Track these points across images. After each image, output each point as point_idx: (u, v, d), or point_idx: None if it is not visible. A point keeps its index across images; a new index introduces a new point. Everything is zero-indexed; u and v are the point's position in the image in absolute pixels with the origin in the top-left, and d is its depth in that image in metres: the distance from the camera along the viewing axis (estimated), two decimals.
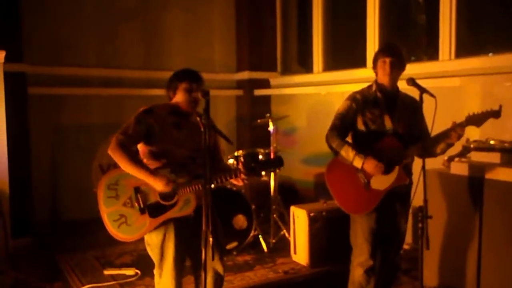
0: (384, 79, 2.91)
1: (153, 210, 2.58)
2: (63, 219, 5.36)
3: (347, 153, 2.84)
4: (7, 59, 4.34)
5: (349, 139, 2.97)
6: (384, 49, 2.95)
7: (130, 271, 3.95)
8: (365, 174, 2.87)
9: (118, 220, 2.60)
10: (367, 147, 2.86)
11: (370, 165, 2.81)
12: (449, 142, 2.82)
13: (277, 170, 4.65)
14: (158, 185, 2.53)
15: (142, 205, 2.59)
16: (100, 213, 2.62)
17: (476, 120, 2.75)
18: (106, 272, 3.98)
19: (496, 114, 2.74)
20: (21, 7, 4.94)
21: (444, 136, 2.79)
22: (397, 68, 2.90)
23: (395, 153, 2.84)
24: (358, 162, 2.82)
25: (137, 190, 2.59)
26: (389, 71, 2.87)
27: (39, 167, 5.19)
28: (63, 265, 4.19)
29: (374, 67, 2.99)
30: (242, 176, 2.57)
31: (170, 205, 2.58)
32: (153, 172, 2.53)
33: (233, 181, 2.64)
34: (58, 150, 5.39)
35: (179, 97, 2.67)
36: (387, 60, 2.87)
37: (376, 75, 2.98)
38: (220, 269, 2.74)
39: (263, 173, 4.52)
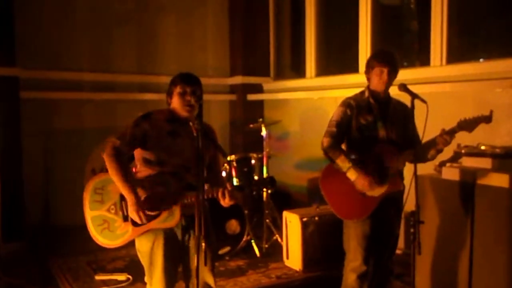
0: (379, 87, 2.93)
1: None
2: (55, 223, 5.32)
3: (344, 163, 2.86)
4: None
5: (343, 145, 2.99)
6: (382, 58, 2.93)
7: (121, 277, 3.93)
8: None
9: (101, 225, 2.56)
10: (362, 156, 2.88)
11: (360, 183, 2.84)
12: (438, 148, 2.84)
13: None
14: (130, 208, 2.45)
15: (126, 213, 2.53)
16: (85, 216, 2.58)
17: (468, 125, 2.78)
18: (97, 278, 3.96)
19: (487, 119, 2.77)
20: (14, 11, 4.91)
21: (433, 142, 2.81)
22: (393, 76, 2.93)
23: (389, 159, 2.86)
24: (351, 175, 2.85)
25: (122, 197, 2.53)
26: (386, 80, 2.89)
27: (31, 171, 5.15)
28: (55, 270, 4.16)
29: (367, 72, 2.99)
30: (227, 199, 2.45)
31: (154, 215, 2.50)
32: (133, 193, 2.43)
33: (221, 202, 2.50)
34: (50, 155, 5.36)
35: (175, 102, 2.61)
36: (385, 70, 2.88)
37: (369, 80, 3.00)
38: (210, 281, 2.67)
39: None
